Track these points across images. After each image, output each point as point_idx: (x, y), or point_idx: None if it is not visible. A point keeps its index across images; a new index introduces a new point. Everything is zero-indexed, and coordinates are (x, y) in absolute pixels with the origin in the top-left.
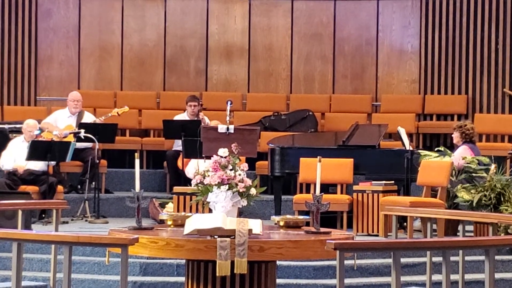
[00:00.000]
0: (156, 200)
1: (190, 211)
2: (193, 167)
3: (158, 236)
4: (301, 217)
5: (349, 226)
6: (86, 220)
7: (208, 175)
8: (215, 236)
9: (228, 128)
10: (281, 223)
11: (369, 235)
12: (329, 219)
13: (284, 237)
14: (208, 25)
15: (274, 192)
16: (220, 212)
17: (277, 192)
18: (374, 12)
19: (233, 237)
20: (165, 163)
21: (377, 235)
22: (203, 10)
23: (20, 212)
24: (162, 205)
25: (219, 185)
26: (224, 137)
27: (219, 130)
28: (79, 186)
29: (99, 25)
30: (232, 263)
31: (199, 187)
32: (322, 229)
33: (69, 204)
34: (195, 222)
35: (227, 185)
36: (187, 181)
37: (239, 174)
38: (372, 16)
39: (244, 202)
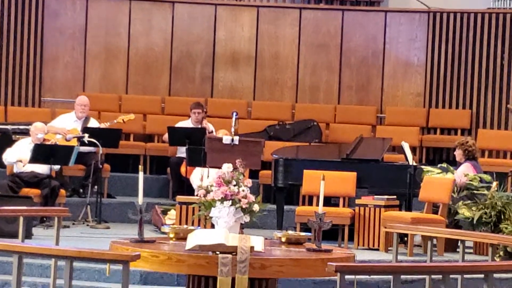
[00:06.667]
0: (159, 207)
1: (192, 224)
2: (198, 176)
3: (159, 250)
4: (302, 233)
5: (350, 238)
6: (87, 225)
7: (212, 190)
8: (217, 252)
9: (233, 140)
10: (283, 239)
11: (369, 249)
12: (331, 232)
13: (286, 255)
14: (215, 31)
15: (277, 204)
16: (223, 228)
17: (279, 204)
18: (382, 24)
19: (234, 253)
20: (168, 169)
21: (377, 249)
22: (211, 16)
23: (21, 219)
24: (164, 212)
25: (222, 200)
26: (229, 148)
27: (224, 141)
28: (81, 190)
29: (106, 28)
30: (233, 279)
31: (203, 202)
32: (324, 246)
33: (71, 208)
34: (197, 237)
35: (230, 201)
36: (190, 188)
37: (243, 190)
38: (380, 28)
39: (246, 218)
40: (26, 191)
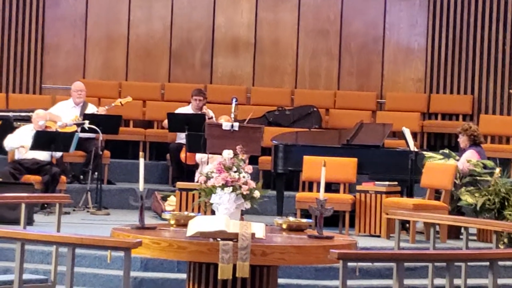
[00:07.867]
0: (158, 193)
1: (193, 211)
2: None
3: (160, 236)
4: (304, 220)
5: (351, 225)
6: (88, 211)
7: (212, 176)
8: (218, 239)
9: (232, 126)
10: (284, 226)
11: (371, 235)
12: (331, 218)
13: (287, 242)
14: (214, 18)
15: (277, 189)
16: (223, 214)
17: (279, 189)
18: (382, 10)
19: (236, 240)
20: (168, 156)
21: (379, 236)
22: (210, 2)
23: (23, 206)
24: (164, 198)
25: (223, 186)
26: (229, 134)
27: (224, 128)
28: (81, 177)
29: (107, 15)
30: (234, 266)
31: (203, 188)
32: (324, 233)
33: (72, 194)
34: (198, 224)
35: (231, 187)
36: (189, 174)
37: (243, 177)
38: (380, 14)
39: (247, 205)
40: (27, 177)
